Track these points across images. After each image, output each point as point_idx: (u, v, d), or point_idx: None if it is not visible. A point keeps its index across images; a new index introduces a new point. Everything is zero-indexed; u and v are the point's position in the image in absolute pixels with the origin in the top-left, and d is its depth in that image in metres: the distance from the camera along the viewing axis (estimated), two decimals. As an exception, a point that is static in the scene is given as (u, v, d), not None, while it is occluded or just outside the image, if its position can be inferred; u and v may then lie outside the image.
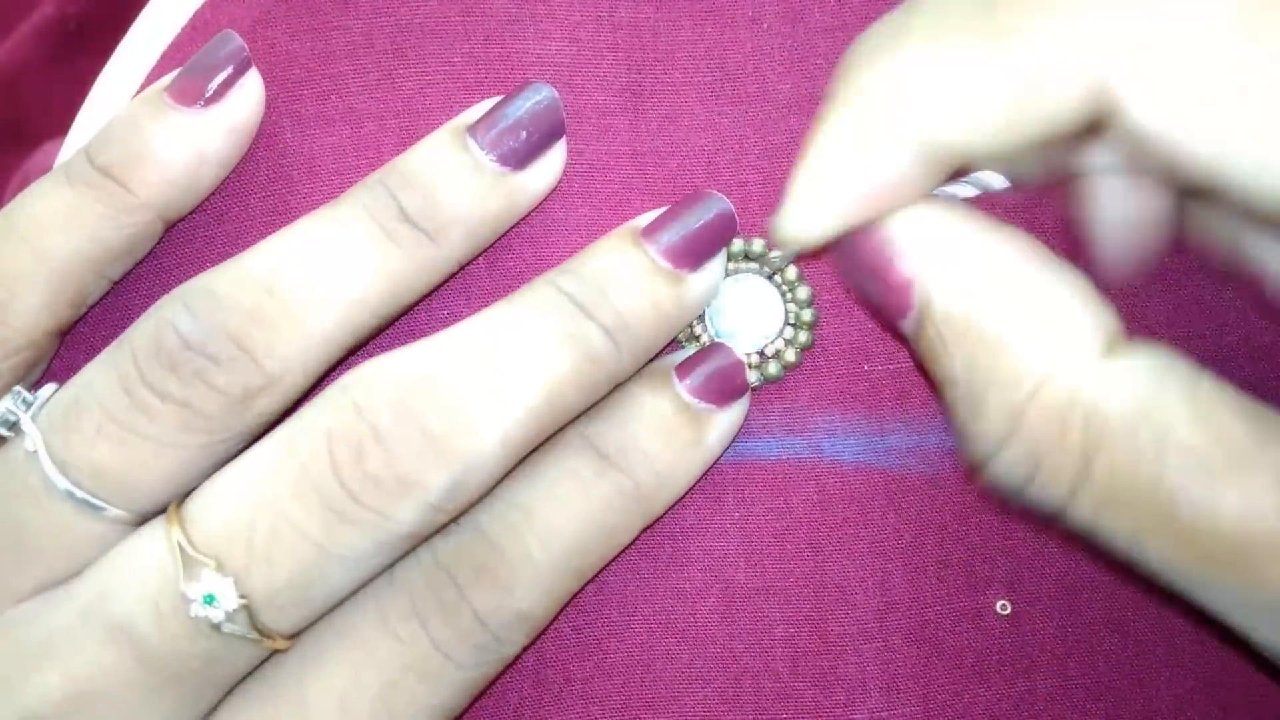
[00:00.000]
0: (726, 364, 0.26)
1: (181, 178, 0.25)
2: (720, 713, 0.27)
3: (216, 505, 0.23)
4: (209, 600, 0.22)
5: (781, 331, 0.27)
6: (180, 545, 0.23)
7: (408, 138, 0.27)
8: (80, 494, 0.23)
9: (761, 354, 0.27)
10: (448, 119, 0.26)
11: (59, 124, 0.45)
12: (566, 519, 0.24)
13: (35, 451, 0.23)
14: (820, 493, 0.27)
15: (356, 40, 0.27)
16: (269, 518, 0.23)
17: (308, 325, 0.23)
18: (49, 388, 0.25)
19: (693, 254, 0.25)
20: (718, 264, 0.26)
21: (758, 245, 0.27)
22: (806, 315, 0.27)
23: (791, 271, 0.27)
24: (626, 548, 0.25)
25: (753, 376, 0.27)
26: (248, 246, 0.27)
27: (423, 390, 0.23)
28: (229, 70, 0.26)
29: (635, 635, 0.27)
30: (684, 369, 0.26)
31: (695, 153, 0.27)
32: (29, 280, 0.25)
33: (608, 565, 0.26)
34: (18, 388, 0.25)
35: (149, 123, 0.25)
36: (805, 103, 0.28)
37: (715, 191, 0.26)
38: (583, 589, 0.27)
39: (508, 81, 0.27)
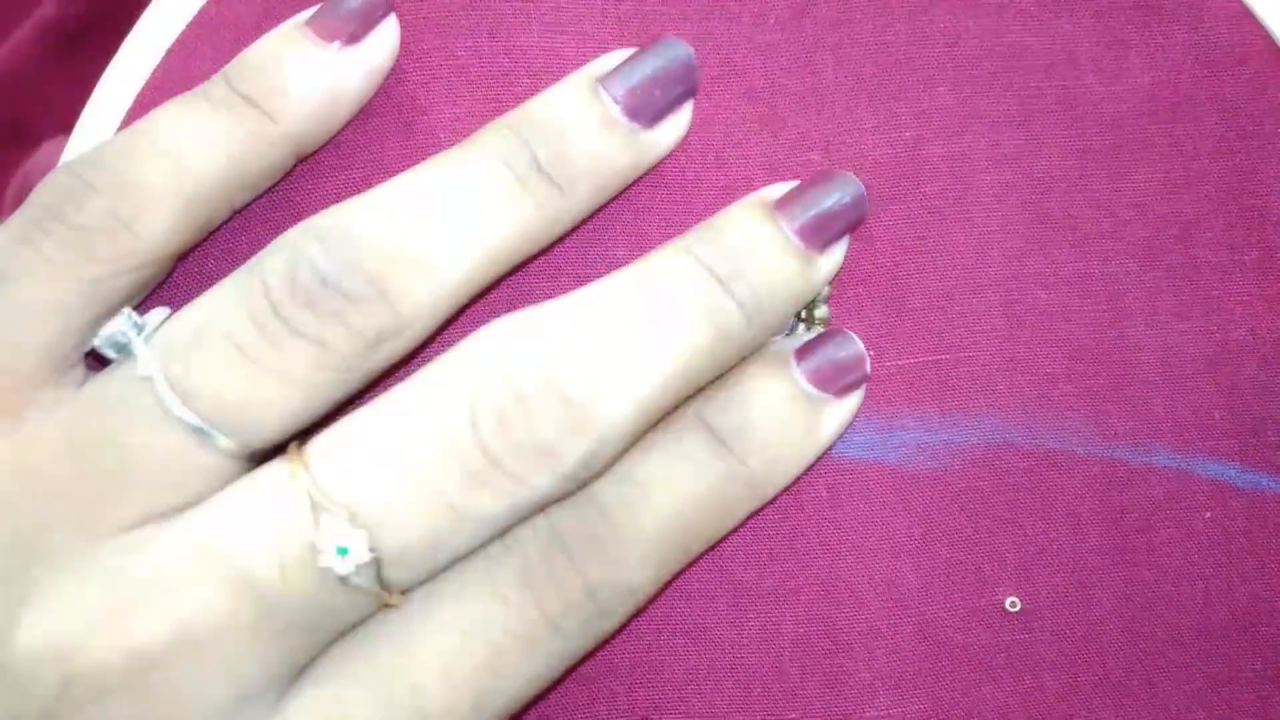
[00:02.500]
0: (846, 354, 0.25)
1: (320, 111, 0.25)
2: (729, 713, 0.26)
3: (348, 454, 0.22)
4: (342, 552, 0.22)
5: (793, 329, 0.27)
6: (310, 494, 0.22)
7: (411, 132, 0.27)
8: (196, 422, 0.22)
9: None
10: (451, 113, 0.26)
11: (59, 124, 0.45)
12: (681, 498, 0.24)
13: (149, 377, 0.23)
14: (829, 491, 0.27)
15: (360, 35, 0.27)
16: (406, 475, 0.22)
17: (441, 271, 0.23)
18: (159, 311, 0.24)
19: (823, 234, 0.25)
20: (843, 246, 0.25)
21: None
22: (820, 312, 0.27)
23: None
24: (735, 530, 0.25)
25: None
26: (253, 239, 0.27)
27: (565, 356, 0.22)
28: (371, 10, 0.25)
29: (644, 635, 0.27)
30: (802, 354, 0.25)
31: (701, 148, 0.27)
32: (166, 196, 0.24)
33: None
34: (128, 310, 0.24)
35: (292, 57, 0.25)
36: (812, 97, 0.27)
37: (848, 171, 0.25)
38: None
39: (512, 76, 0.27)
